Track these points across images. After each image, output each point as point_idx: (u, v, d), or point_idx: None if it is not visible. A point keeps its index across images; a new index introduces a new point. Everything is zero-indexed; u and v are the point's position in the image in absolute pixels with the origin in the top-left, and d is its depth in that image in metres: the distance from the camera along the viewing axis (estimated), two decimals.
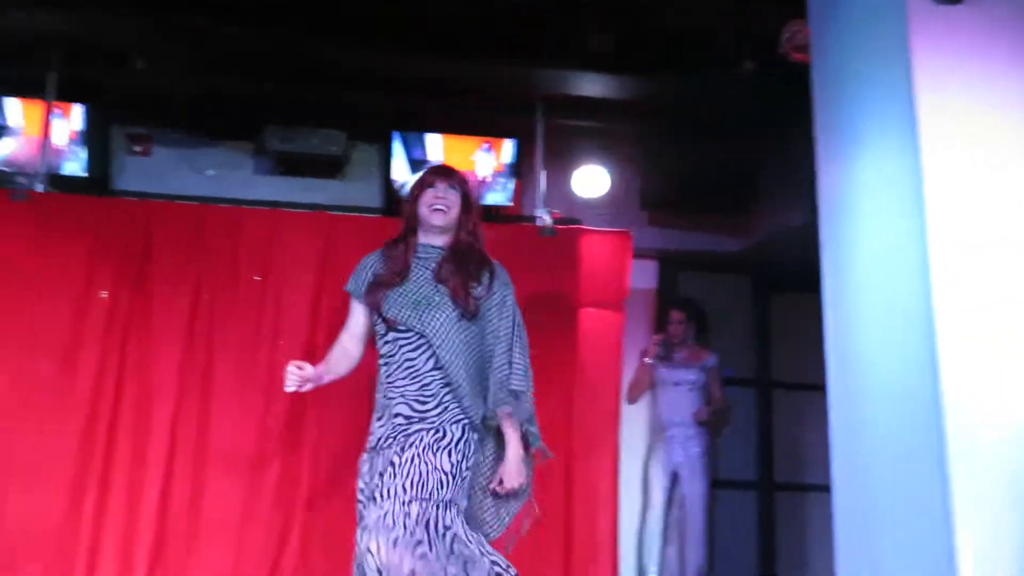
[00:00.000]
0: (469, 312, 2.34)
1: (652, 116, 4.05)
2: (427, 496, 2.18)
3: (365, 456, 2.41)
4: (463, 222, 2.45)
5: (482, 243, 2.49)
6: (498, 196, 4.42)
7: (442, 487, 2.21)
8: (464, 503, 2.30)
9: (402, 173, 4.30)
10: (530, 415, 2.45)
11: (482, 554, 2.20)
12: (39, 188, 3.86)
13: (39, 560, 3.52)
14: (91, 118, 4.13)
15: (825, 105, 2.86)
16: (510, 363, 2.38)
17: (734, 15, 3.31)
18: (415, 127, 4.27)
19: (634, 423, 4.48)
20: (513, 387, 2.37)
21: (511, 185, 4.41)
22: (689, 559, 4.30)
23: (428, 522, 2.16)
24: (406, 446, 2.26)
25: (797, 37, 3.02)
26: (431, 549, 2.13)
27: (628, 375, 4.41)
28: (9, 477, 3.56)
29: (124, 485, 3.65)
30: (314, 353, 3.96)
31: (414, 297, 2.35)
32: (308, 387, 2.45)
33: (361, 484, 2.37)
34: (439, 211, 2.40)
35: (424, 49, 3.53)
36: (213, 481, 3.75)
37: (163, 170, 4.38)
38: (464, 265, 2.38)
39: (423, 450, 2.24)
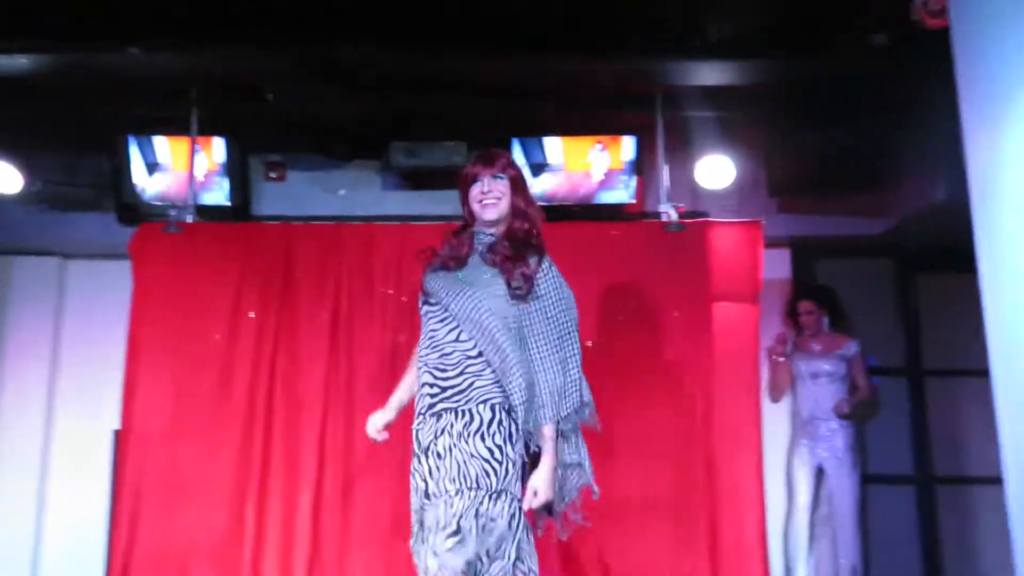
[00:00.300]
0: (520, 289, 2.24)
1: (778, 99, 3.89)
2: (472, 486, 2.13)
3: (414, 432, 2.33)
4: (515, 206, 2.37)
5: (538, 224, 2.40)
6: (619, 194, 4.37)
7: (483, 474, 2.14)
8: (518, 491, 2.19)
9: (526, 179, 4.33)
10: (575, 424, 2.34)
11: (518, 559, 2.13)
12: (188, 219, 4.13)
13: (208, 567, 3.76)
14: (230, 150, 4.38)
15: (968, 71, 2.67)
16: (564, 371, 2.26)
17: None
18: (534, 131, 4.29)
19: (775, 418, 4.33)
20: (585, 398, 2.31)
21: (632, 182, 4.35)
22: (841, 559, 4.11)
23: (474, 513, 2.11)
24: (440, 432, 2.21)
25: (931, 1, 2.84)
26: (463, 542, 2.09)
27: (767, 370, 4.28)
28: (176, 490, 3.82)
29: (280, 493, 3.86)
30: None
31: (460, 276, 2.31)
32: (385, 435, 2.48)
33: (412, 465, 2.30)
34: (489, 205, 2.34)
35: (538, 50, 3.52)
36: (362, 486, 3.90)
37: (298, 193, 4.59)
38: (519, 250, 2.30)
39: (457, 439, 2.18)
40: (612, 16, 3.23)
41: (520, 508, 2.19)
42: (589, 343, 4.06)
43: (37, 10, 3.30)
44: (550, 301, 2.28)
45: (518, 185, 2.40)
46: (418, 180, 4.50)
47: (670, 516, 3.77)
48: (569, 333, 2.31)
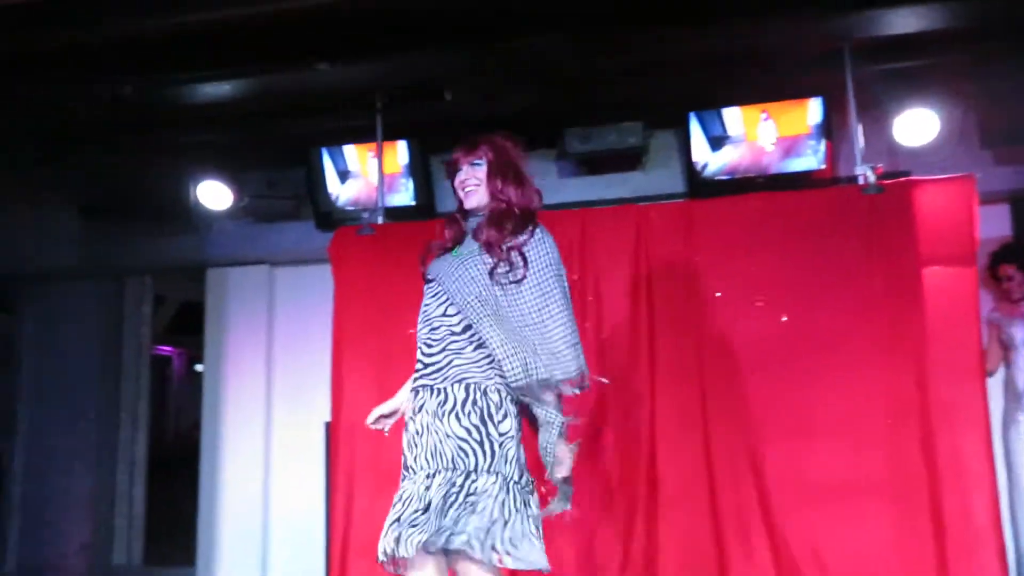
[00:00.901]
0: (507, 262, 2.23)
1: (987, 40, 3.51)
2: (449, 467, 2.15)
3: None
4: (492, 189, 2.35)
5: (522, 200, 2.34)
6: (807, 161, 4.12)
7: (461, 454, 2.15)
8: (512, 473, 2.16)
9: (703, 153, 4.19)
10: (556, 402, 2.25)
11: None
12: (379, 220, 4.33)
13: None
14: (412, 152, 4.55)
15: None
16: (559, 337, 2.21)
17: None
18: (712, 104, 4.13)
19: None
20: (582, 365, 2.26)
21: (822, 147, 4.08)
22: None
23: (448, 490, 2.12)
24: (418, 409, 2.27)
25: None
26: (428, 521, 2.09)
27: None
28: (385, 476, 3.99)
29: None
30: (638, 338, 4.02)
31: (455, 252, 2.35)
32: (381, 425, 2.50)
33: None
34: (469, 192, 2.37)
35: (711, 20, 3.38)
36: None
37: None
38: (500, 222, 2.29)
39: (432, 418, 2.22)
40: None
41: (520, 490, 2.17)
42: (784, 318, 3.89)
43: (235, 40, 3.56)
44: (537, 269, 2.25)
45: (496, 168, 2.37)
46: (594, 165, 4.47)
47: (887, 500, 3.52)
48: (557, 300, 2.26)
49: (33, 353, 5.47)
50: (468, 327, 2.25)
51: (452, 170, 2.44)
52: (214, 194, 4.70)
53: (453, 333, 2.26)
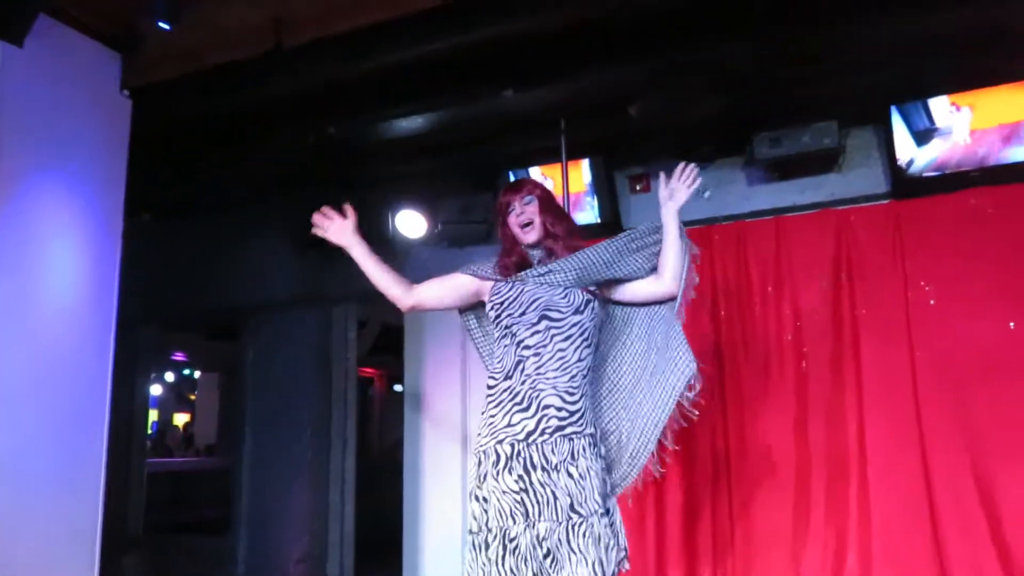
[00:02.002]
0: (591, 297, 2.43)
1: None
2: (605, 498, 2.32)
3: (507, 445, 2.31)
4: (546, 224, 2.53)
5: (569, 237, 2.55)
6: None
7: (605, 484, 2.35)
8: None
9: (907, 150, 3.89)
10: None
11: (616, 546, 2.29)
12: None
13: None
14: (595, 169, 4.57)
15: None
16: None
17: None
18: (918, 94, 3.82)
19: None
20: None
21: None
22: None
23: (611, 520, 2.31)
24: (576, 455, 2.29)
25: None
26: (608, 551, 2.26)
27: None
28: None
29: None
30: (842, 354, 3.80)
31: (548, 292, 2.41)
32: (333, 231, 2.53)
33: (516, 474, 2.27)
34: (527, 227, 2.52)
35: (910, 4, 3.14)
36: (759, 494, 3.79)
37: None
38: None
39: (592, 460, 2.31)
40: None
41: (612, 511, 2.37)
42: (1011, 324, 3.54)
43: (424, 76, 3.75)
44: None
45: (545, 204, 2.57)
46: (785, 170, 4.27)
47: None
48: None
49: (255, 377, 5.97)
50: (591, 367, 2.43)
51: (504, 211, 2.57)
52: (411, 222, 4.95)
53: (584, 377, 2.38)
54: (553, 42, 3.51)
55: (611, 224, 4.62)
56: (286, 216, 5.32)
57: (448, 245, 5.18)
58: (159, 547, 6.25)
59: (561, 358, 2.36)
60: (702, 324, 4.00)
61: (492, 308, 2.47)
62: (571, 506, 2.26)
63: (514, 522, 2.25)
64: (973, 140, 3.75)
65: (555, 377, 2.34)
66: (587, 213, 4.65)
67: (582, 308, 2.41)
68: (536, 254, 2.54)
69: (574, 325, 2.38)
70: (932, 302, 3.70)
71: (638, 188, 4.71)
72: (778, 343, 3.92)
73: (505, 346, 2.43)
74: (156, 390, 14.66)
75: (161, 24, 3.22)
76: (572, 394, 2.34)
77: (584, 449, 2.31)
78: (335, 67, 3.46)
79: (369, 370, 10.96)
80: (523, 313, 2.40)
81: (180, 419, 16.53)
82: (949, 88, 3.77)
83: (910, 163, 3.91)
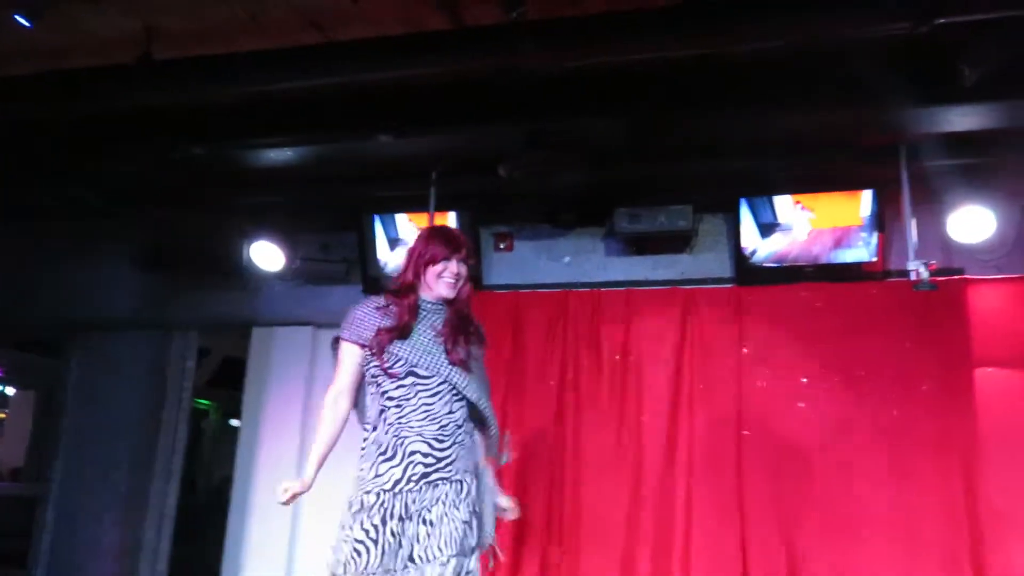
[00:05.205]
0: (467, 368, 2.53)
1: None
2: (460, 551, 2.39)
3: (372, 495, 2.40)
4: (463, 291, 2.61)
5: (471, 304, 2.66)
6: (859, 252, 4.07)
7: (466, 536, 2.42)
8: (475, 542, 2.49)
9: (752, 240, 4.18)
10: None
11: None
12: None
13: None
14: (462, 223, 4.61)
15: None
16: (493, 416, 2.63)
17: None
18: (765, 190, 4.14)
19: None
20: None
21: (873, 239, 4.04)
22: None
23: (459, 574, 2.38)
24: (434, 501, 2.40)
25: None
26: None
27: None
28: None
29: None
30: (677, 423, 3.97)
31: (426, 347, 2.51)
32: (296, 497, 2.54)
33: (368, 524, 2.37)
34: (450, 284, 2.57)
35: (769, 105, 3.41)
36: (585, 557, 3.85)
37: (525, 262, 4.72)
38: (465, 328, 2.58)
39: (449, 507, 2.41)
40: (843, 66, 3.07)
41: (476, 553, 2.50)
42: (826, 412, 3.81)
43: (301, 109, 3.69)
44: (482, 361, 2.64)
45: (469, 269, 2.67)
46: (641, 245, 4.48)
47: None
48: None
49: (77, 399, 5.55)
50: (467, 419, 2.53)
51: (434, 258, 2.59)
52: (266, 254, 4.80)
53: (458, 427, 2.49)
54: (435, 93, 3.55)
55: (473, 279, 4.63)
56: (132, 232, 5.05)
57: (304, 282, 5.06)
58: None
59: (427, 410, 2.48)
60: (548, 387, 4.07)
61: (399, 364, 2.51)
62: (409, 555, 2.36)
63: (344, 571, 2.36)
64: (809, 238, 4.07)
65: (421, 425, 2.46)
66: None
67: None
68: (431, 305, 2.58)
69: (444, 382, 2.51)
70: (762, 384, 3.94)
71: (502, 247, 4.78)
72: (620, 411, 4.05)
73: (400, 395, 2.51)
74: None
75: (20, 20, 3.00)
76: (441, 441, 2.45)
77: (446, 495, 2.41)
78: (207, 87, 3.34)
79: (205, 401, 10.45)
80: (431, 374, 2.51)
81: None
82: (793, 188, 4.09)
83: (753, 252, 4.19)
